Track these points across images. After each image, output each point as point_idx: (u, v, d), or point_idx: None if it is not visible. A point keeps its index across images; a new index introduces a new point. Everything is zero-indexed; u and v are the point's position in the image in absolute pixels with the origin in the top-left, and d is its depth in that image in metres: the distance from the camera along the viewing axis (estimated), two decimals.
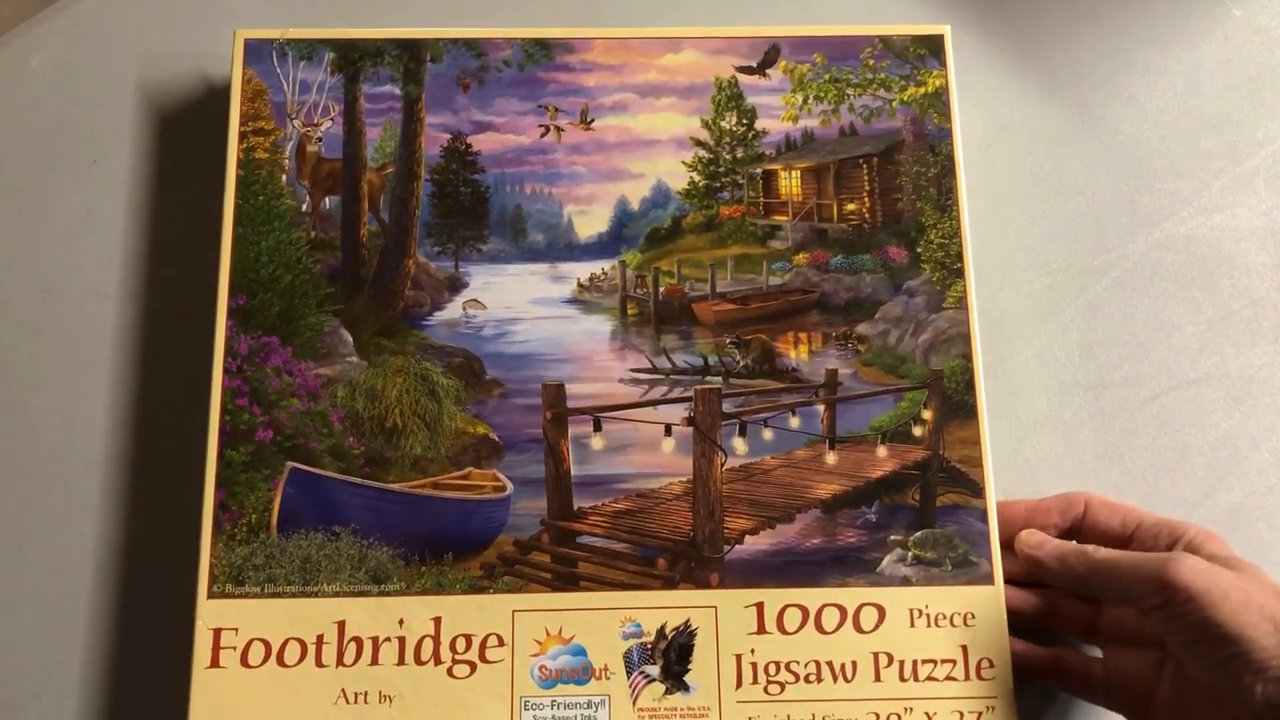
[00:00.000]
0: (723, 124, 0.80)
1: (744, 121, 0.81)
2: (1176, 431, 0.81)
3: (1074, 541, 0.73)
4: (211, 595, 0.70)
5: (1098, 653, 0.73)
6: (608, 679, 0.70)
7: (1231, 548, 0.69)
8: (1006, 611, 0.72)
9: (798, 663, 0.70)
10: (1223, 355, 0.83)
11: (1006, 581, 0.73)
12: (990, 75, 0.88)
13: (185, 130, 0.83)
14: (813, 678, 0.70)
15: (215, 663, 0.69)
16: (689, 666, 0.70)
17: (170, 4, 0.86)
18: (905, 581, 0.72)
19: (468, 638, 0.70)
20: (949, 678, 0.70)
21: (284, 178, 0.78)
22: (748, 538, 0.73)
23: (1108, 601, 0.72)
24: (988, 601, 0.71)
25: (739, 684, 0.70)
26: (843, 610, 0.71)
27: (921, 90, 0.81)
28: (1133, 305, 0.84)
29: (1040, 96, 0.88)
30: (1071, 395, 0.82)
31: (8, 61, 0.85)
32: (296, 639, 0.70)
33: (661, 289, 0.80)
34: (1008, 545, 0.74)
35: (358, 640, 0.70)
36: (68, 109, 0.84)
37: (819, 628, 0.71)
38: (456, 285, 0.78)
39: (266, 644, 0.69)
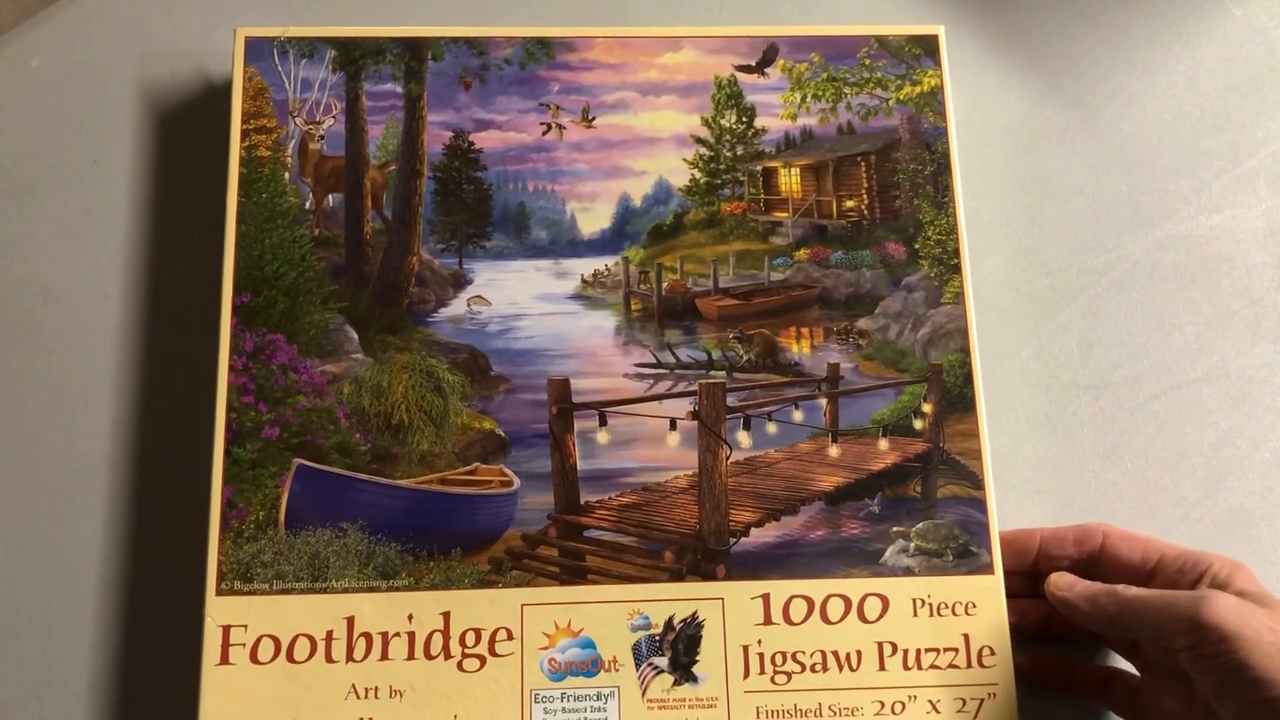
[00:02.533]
0: (723, 122, 0.88)
1: (743, 119, 0.88)
2: (1176, 431, 0.88)
3: (1094, 577, 0.78)
4: (220, 592, 0.76)
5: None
6: (616, 671, 0.76)
7: (1258, 579, 0.74)
8: (1030, 628, 0.80)
9: (804, 653, 0.77)
10: (1223, 355, 0.90)
11: (1011, 596, 0.79)
12: (989, 75, 0.95)
13: (186, 129, 0.89)
14: (819, 667, 0.77)
15: (225, 660, 0.75)
16: (697, 658, 0.77)
17: (170, 3, 0.92)
18: (908, 572, 0.79)
19: (477, 632, 0.76)
20: (951, 666, 0.77)
21: (287, 175, 0.84)
22: (753, 530, 0.80)
23: (1140, 640, 0.77)
24: (988, 591, 0.79)
25: (746, 674, 0.77)
26: (847, 601, 0.78)
27: (917, 89, 0.89)
28: (1133, 305, 0.91)
29: (1040, 96, 0.95)
30: (1071, 395, 0.88)
31: (8, 61, 0.90)
32: (306, 635, 0.76)
33: (664, 284, 0.87)
34: (1017, 572, 0.80)
35: (367, 636, 0.76)
36: (68, 109, 0.90)
37: (824, 618, 0.78)
38: (461, 282, 0.84)
39: (276, 640, 0.75)
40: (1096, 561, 0.79)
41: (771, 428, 0.84)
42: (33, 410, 0.84)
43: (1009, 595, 0.80)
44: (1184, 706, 0.74)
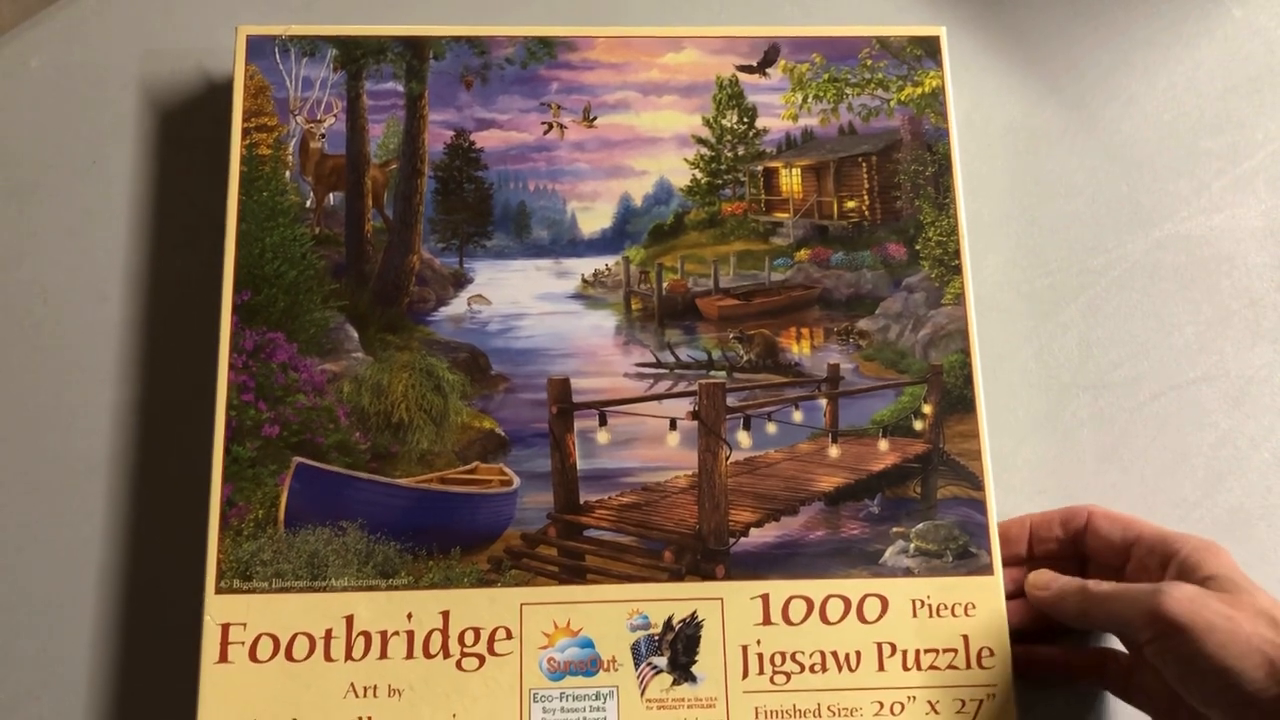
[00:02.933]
0: (724, 122, 0.88)
1: (745, 120, 0.88)
2: (1176, 431, 0.88)
3: (1078, 565, 0.79)
4: (219, 591, 0.76)
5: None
6: (616, 670, 0.76)
7: (1231, 557, 0.74)
8: (1033, 628, 0.79)
9: (803, 653, 0.77)
10: (1223, 355, 0.90)
11: (1010, 597, 0.79)
12: (990, 75, 0.95)
13: (187, 128, 0.89)
14: (818, 668, 0.77)
15: (224, 658, 0.75)
16: (696, 658, 0.77)
17: (171, 2, 0.92)
18: (907, 572, 0.79)
19: (476, 631, 0.76)
20: (951, 666, 0.77)
21: (287, 174, 0.84)
22: (753, 530, 0.80)
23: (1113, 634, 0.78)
24: (987, 592, 0.79)
25: (745, 674, 0.77)
26: (847, 601, 0.78)
27: (918, 90, 0.89)
28: (1133, 305, 0.91)
29: (1040, 96, 0.95)
30: (1071, 395, 0.88)
31: (8, 61, 0.90)
32: (305, 634, 0.76)
33: (665, 284, 0.87)
34: (1012, 561, 0.80)
35: (366, 634, 0.76)
36: (68, 109, 0.90)
37: (823, 618, 0.78)
38: (461, 281, 0.84)
39: (275, 639, 0.75)
40: (1082, 541, 0.80)
41: (771, 428, 0.84)
42: (33, 410, 0.84)
43: (1011, 596, 0.80)
44: (1168, 686, 0.74)
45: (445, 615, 0.77)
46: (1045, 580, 0.77)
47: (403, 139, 0.87)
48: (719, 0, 0.96)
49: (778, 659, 0.77)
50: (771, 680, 0.77)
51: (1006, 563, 0.80)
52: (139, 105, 0.90)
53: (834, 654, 0.78)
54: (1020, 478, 0.86)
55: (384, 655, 0.76)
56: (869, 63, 0.90)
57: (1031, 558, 0.81)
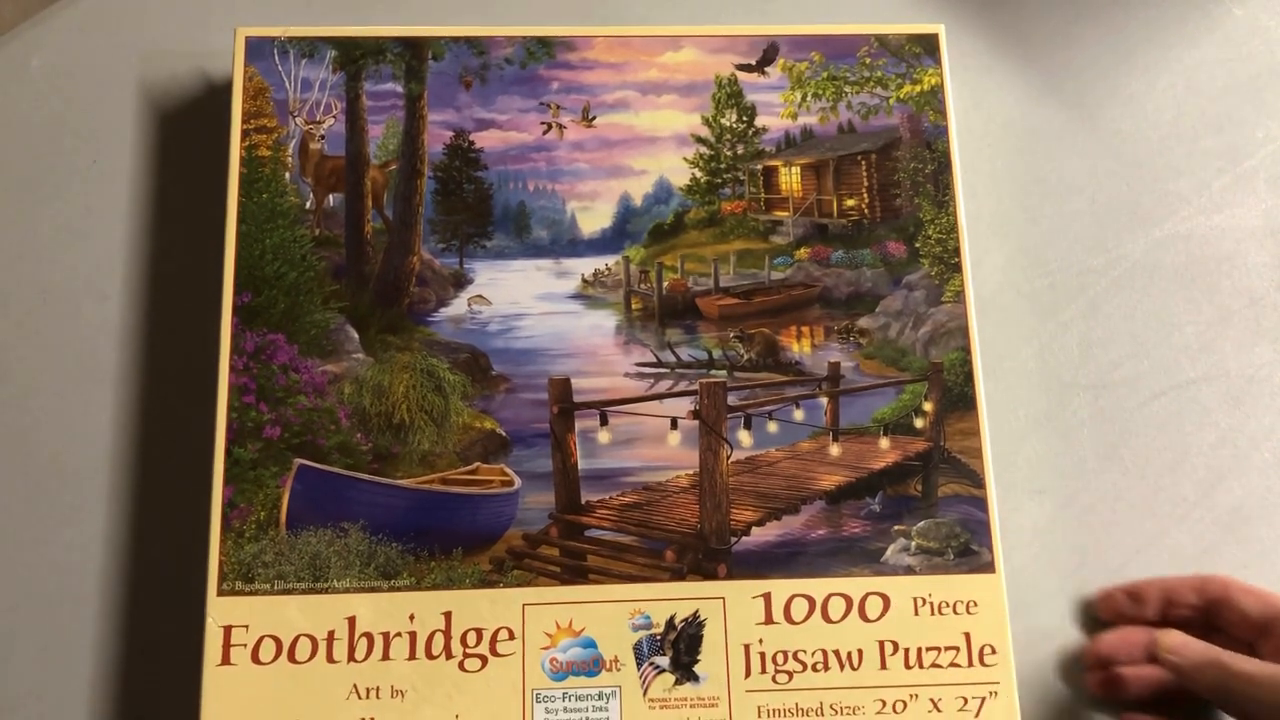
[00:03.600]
0: (723, 121, 0.89)
1: (744, 118, 0.89)
2: (1176, 431, 0.89)
3: (1213, 641, 0.76)
4: (221, 593, 0.76)
5: None
6: (618, 670, 0.77)
7: None
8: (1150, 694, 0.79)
9: (805, 652, 0.78)
10: (1223, 355, 0.90)
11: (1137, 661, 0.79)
12: (989, 74, 0.95)
13: (186, 129, 0.90)
14: (820, 666, 0.77)
15: (226, 660, 0.75)
16: (698, 657, 0.77)
17: (170, 3, 0.93)
18: (909, 571, 0.80)
19: (478, 632, 0.77)
20: (953, 664, 0.78)
21: (287, 175, 0.85)
22: (754, 529, 0.81)
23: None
24: (989, 589, 0.79)
25: (748, 674, 0.77)
26: (848, 600, 0.79)
27: (917, 88, 0.90)
28: (1133, 305, 0.91)
29: (1040, 96, 0.95)
30: (1071, 395, 0.89)
31: (8, 61, 0.91)
32: (307, 635, 0.76)
33: (665, 284, 0.87)
34: (1136, 622, 0.80)
35: (369, 636, 0.76)
36: (68, 109, 0.90)
37: (825, 617, 0.78)
38: (461, 281, 0.85)
39: (277, 641, 0.76)
40: (1218, 611, 0.78)
41: (772, 427, 0.84)
42: (33, 410, 0.85)
43: (1127, 661, 0.80)
44: None
45: (447, 616, 0.78)
46: (1179, 643, 0.76)
47: (402, 140, 0.87)
48: None
49: (780, 658, 0.78)
50: (774, 679, 0.78)
51: (1131, 621, 0.81)
52: (139, 105, 0.91)
53: (836, 653, 0.78)
54: (1021, 476, 0.87)
55: (386, 656, 0.77)
56: (868, 61, 0.90)
57: (1161, 621, 0.80)
